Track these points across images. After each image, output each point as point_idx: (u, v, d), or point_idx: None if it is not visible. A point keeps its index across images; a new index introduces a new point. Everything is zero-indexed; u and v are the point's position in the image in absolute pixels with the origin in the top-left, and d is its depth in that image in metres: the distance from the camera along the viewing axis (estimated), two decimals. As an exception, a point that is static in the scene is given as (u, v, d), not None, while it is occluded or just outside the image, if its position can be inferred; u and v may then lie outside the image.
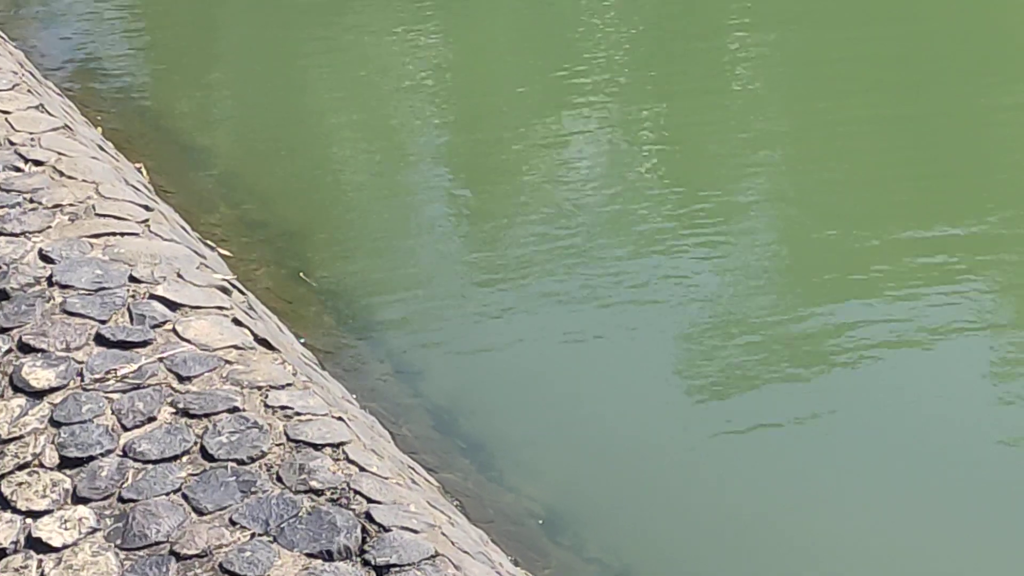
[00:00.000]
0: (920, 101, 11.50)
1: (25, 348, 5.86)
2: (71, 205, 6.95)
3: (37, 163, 7.36)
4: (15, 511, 5.12)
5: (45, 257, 6.46)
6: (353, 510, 4.97)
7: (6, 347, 5.94)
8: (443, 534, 5.23)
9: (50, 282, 6.26)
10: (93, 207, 6.96)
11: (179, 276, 6.40)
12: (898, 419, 7.67)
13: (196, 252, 7.17)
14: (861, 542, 6.98)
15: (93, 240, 6.62)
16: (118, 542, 4.90)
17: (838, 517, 7.19)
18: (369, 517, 4.92)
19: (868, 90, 11.59)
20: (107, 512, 5.03)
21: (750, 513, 7.07)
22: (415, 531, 4.98)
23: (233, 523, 4.91)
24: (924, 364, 8.11)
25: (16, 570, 4.92)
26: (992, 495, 7.13)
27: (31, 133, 7.75)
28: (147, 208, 7.37)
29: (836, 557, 7.11)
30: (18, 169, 7.23)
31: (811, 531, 7.09)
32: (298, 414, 5.55)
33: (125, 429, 5.40)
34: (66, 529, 4.97)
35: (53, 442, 5.37)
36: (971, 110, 11.36)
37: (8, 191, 7.00)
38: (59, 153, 7.55)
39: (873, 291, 8.58)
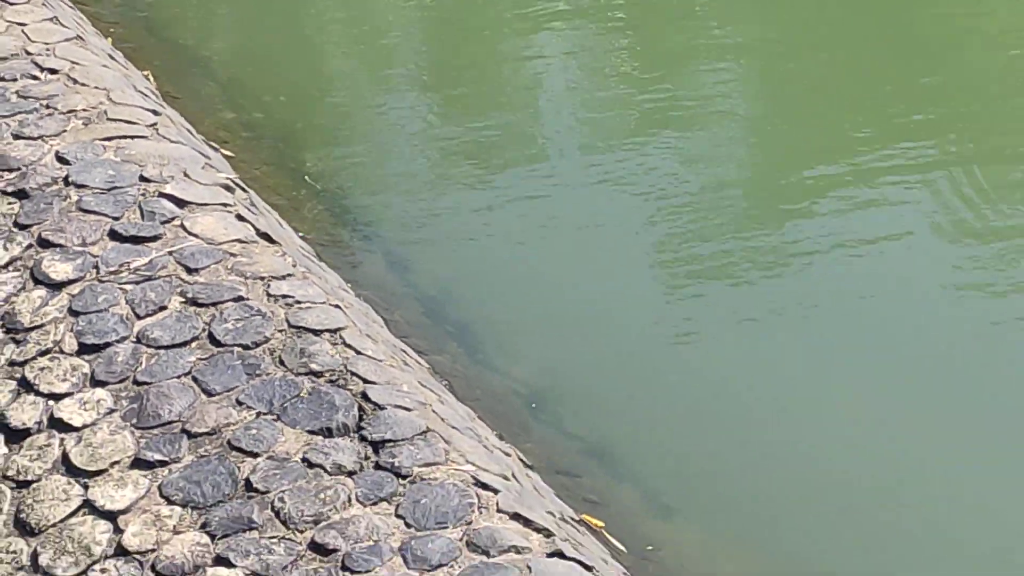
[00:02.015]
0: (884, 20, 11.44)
1: (44, 243, 5.94)
2: (84, 111, 6.92)
3: (52, 71, 7.34)
4: (38, 394, 5.25)
5: (61, 159, 6.48)
6: (350, 390, 5.07)
7: (27, 243, 6.02)
8: (433, 411, 5.32)
9: (66, 182, 6.32)
10: (105, 112, 6.96)
11: (186, 175, 6.43)
12: (872, 310, 7.76)
13: (201, 153, 7.17)
14: (828, 413, 6.94)
15: (105, 143, 6.62)
16: (133, 421, 5.02)
17: (813, 397, 7.19)
18: (365, 396, 5.03)
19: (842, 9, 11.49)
20: (123, 394, 5.15)
21: (725, 392, 7.07)
22: (408, 409, 5.05)
23: (240, 403, 5.03)
24: (895, 259, 8.07)
25: (40, 448, 5.06)
26: (954, 376, 7.20)
27: (46, 44, 7.68)
28: (155, 112, 7.33)
29: (808, 431, 6.88)
30: (35, 77, 7.23)
31: (787, 411, 7.03)
32: (298, 302, 5.62)
33: (138, 317, 5.51)
34: (85, 410, 5.10)
35: (72, 330, 5.50)
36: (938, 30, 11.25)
37: (26, 98, 7.00)
38: (72, 62, 7.51)
39: (846, 193, 8.56)
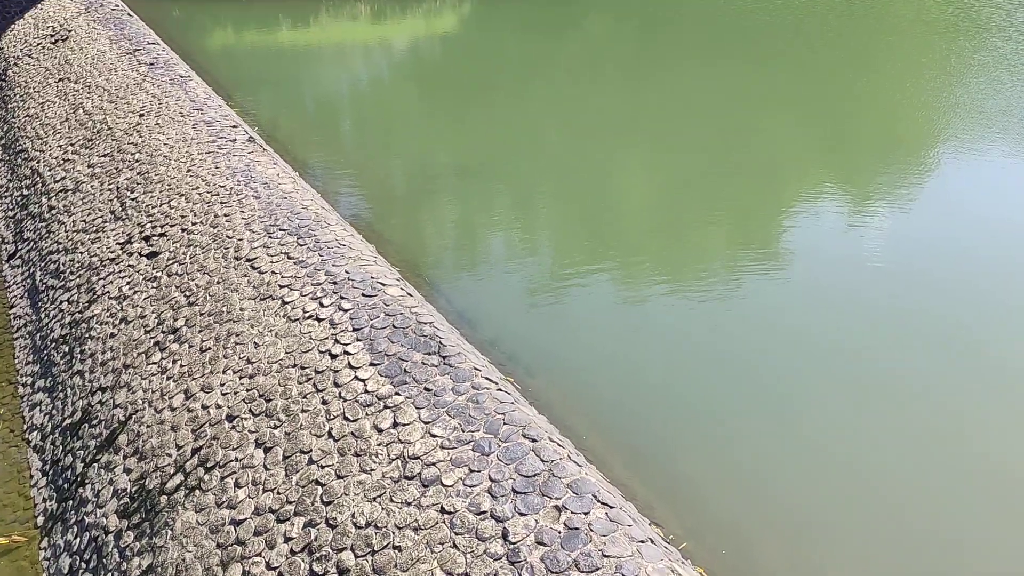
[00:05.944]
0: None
1: (328, 273, 8.57)
2: (353, 257, 9.20)
3: (342, 246, 9.48)
4: (322, 305, 8.03)
5: (346, 272, 8.75)
6: (436, 340, 7.59)
7: (323, 262, 8.35)
8: (463, 346, 7.94)
9: (348, 278, 8.68)
10: (360, 258, 9.13)
11: (385, 275, 8.86)
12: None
13: (389, 269, 9.31)
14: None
15: (360, 267, 8.92)
16: (369, 350, 7.52)
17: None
18: (440, 342, 7.54)
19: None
20: (361, 340, 7.72)
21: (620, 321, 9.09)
22: (453, 346, 7.57)
23: (401, 345, 7.62)
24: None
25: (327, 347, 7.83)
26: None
27: (315, 212, 10.21)
28: (375, 256, 9.56)
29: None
30: (339, 247, 9.46)
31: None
32: (419, 312, 8.14)
33: (366, 297, 8.15)
34: (349, 341, 7.75)
35: (337, 302, 8.00)
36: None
37: (338, 254, 9.12)
38: (344, 239, 9.74)
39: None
